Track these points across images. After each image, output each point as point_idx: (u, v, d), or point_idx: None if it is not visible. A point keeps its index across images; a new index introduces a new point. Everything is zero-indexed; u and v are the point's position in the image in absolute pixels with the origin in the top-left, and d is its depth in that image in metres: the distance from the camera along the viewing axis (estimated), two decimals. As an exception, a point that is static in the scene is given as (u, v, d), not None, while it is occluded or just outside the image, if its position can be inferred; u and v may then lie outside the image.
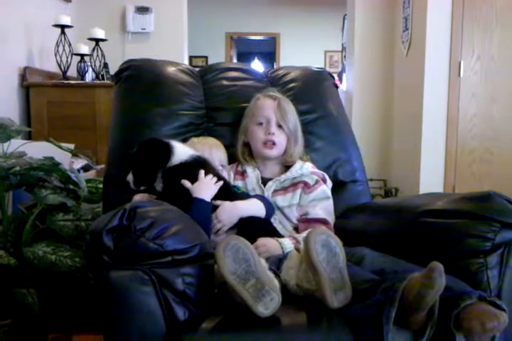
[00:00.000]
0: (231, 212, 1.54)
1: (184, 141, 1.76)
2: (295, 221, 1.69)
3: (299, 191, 1.71)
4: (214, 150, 1.73)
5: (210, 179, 1.56)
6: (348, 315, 1.12)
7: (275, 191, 1.72)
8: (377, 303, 1.06)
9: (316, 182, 1.73)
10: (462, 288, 1.12)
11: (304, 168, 1.75)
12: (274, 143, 1.72)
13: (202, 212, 1.48)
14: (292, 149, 1.75)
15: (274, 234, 1.57)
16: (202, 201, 1.49)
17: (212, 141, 1.79)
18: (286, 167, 1.78)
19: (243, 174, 1.77)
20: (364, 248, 1.40)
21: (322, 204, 1.71)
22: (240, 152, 1.80)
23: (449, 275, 1.04)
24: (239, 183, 1.75)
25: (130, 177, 1.55)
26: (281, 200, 1.70)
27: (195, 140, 1.76)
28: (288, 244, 1.51)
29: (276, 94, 1.78)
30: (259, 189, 1.72)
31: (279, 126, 1.73)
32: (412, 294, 1.02)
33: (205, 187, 1.53)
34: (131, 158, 1.55)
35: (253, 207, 1.60)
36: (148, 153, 1.55)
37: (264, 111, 1.74)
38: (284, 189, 1.72)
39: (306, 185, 1.71)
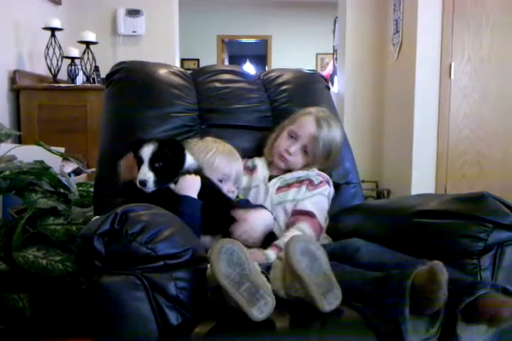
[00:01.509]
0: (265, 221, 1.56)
1: None
2: None
3: (304, 187, 1.72)
4: (217, 160, 1.67)
5: (191, 177, 1.54)
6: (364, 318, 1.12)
7: (279, 188, 1.73)
8: (389, 304, 1.07)
9: (320, 182, 1.75)
10: (468, 280, 1.13)
11: (310, 170, 1.77)
12: (287, 160, 1.76)
13: (190, 208, 1.47)
14: (303, 170, 1.77)
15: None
16: (188, 197, 1.49)
17: (223, 148, 1.72)
18: None
19: (252, 170, 1.78)
20: (357, 239, 1.39)
21: (313, 199, 1.71)
22: (269, 145, 1.83)
23: (451, 269, 1.05)
24: (245, 178, 1.76)
25: (149, 176, 1.45)
26: (284, 195, 1.71)
27: (214, 142, 1.72)
28: (272, 255, 1.50)
29: (324, 123, 1.75)
30: (263, 186, 1.73)
31: (305, 151, 1.75)
32: (424, 299, 1.04)
33: (187, 184, 1.52)
34: (154, 155, 1.46)
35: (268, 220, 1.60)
36: (178, 153, 1.52)
37: (300, 130, 1.76)
38: (289, 185, 1.73)
39: (310, 182, 1.73)
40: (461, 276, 1.13)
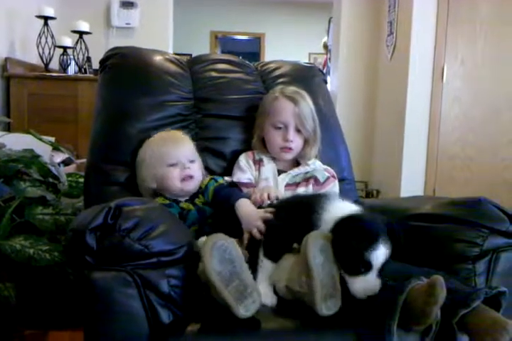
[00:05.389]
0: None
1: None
2: None
3: (310, 186, 1.69)
4: (181, 147, 1.61)
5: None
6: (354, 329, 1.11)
7: (288, 185, 1.69)
8: (378, 315, 1.06)
9: (327, 179, 1.72)
10: (466, 289, 1.12)
11: (316, 164, 1.75)
12: (291, 148, 1.71)
13: None
14: (309, 151, 1.74)
15: None
16: None
17: (176, 135, 1.67)
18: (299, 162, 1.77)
19: (259, 163, 1.73)
20: None
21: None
22: (257, 146, 1.76)
23: (448, 278, 1.04)
24: (253, 170, 1.72)
25: (377, 284, 1.11)
26: (292, 193, 1.67)
27: (155, 136, 1.65)
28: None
29: (296, 96, 1.72)
30: (273, 180, 1.69)
31: (298, 130, 1.70)
32: (416, 310, 1.02)
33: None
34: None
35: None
36: None
37: (282, 115, 1.69)
38: (296, 184, 1.70)
39: (316, 181, 1.70)
40: (458, 287, 1.11)
